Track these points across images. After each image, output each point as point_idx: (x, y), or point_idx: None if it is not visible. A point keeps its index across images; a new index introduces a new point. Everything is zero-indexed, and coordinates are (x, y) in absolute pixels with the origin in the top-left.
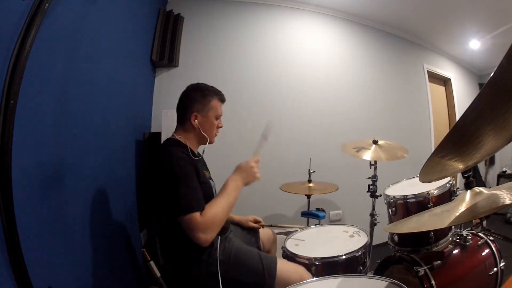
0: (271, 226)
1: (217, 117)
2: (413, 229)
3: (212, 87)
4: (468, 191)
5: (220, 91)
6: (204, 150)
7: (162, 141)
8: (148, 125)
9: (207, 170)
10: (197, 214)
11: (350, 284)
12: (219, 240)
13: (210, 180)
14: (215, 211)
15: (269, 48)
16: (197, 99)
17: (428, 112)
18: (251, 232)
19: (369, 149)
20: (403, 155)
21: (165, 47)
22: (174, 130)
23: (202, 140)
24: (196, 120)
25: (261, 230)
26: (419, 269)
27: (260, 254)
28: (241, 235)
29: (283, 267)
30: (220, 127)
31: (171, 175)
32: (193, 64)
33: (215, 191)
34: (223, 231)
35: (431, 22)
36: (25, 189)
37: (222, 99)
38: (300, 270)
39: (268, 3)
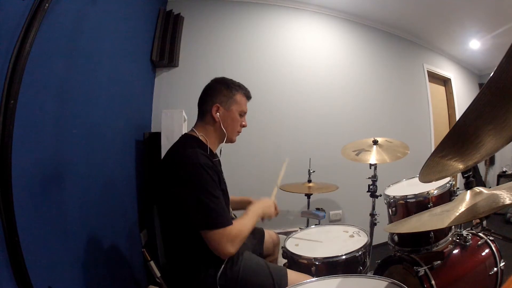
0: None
1: (241, 114)
2: (413, 229)
3: (238, 82)
4: (468, 191)
5: (246, 88)
6: (221, 150)
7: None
8: (148, 125)
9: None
10: (229, 228)
11: (350, 284)
12: None
13: None
14: (242, 227)
15: (269, 48)
16: (221, 91)
17: (428, 112)
18: (256, 235)
19: (369, 150)
20: (405, 152)
21: (165, 47)
22: (193, 125)
23: (222, 137)
24: (217, 113)
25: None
26: (419, 269)
27: (269, 266)
28: None
29: (293, 278)
30: (244, 125)
31: (197, 183)
32: (193, 64)
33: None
34: None
35: (431, 22)
36: (25, 189)
37: (248, 95)
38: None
39: (268, 3)
